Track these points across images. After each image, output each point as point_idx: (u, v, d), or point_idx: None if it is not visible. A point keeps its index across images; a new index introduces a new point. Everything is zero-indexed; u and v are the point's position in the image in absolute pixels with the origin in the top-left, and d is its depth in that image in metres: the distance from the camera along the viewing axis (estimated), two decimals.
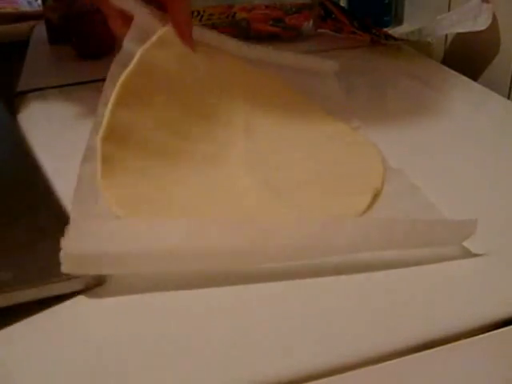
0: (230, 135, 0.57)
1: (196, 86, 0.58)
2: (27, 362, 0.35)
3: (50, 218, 0.44)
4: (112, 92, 0.52)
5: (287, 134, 0.59)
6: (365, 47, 0.87)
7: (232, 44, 0.65)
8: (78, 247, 0.37)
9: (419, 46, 0.85)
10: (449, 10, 0.85)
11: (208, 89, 0.58)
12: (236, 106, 0.59)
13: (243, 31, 0.91)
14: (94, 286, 0.40)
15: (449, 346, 0.36)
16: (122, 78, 0.53)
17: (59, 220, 0.42)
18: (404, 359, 0.35)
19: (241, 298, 0.40)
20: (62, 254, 0.37)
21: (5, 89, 0.73)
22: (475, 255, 0.43)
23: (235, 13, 0.91)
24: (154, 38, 0.56)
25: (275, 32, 0.91)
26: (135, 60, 0.54)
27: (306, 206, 0.49)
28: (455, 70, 0.78)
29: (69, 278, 0.38)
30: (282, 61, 0.67)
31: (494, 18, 0.75)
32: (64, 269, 0.37)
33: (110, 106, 0.51)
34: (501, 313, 0.38)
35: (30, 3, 1.21)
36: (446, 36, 0.86)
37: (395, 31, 0.89)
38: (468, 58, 0.82)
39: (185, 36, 0.58)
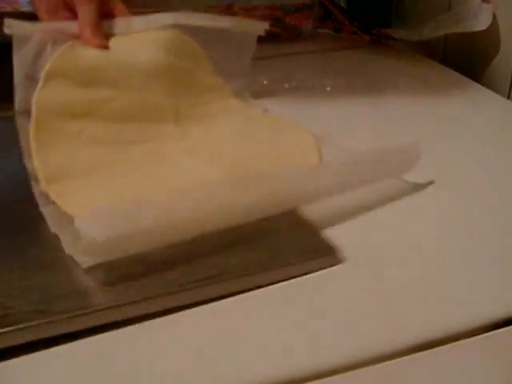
0: (162, 131, 0.57)
1: (112, 89, 0.57)
2: None
3: None
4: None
5: (214, 124, 0.59)
6: (365, 47, 0.87)
7: (162, 17, 0.62)
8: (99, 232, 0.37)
9: (419, 46, 0.85)
10: (449, 10, 0.85)
11: (128, 88, 0.57)
12: (161, 100, 0.58)
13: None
14: (330, 266, 0.42)
15: (449, 346, 0.36)
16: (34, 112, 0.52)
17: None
18: (404, 359, 0.35)
19: (241, 298, 0.40)
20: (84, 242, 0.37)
21: (5, 89, 0.73)
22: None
23: (235, 13, 0.91)
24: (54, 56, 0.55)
25: (275, 32, 0.91)
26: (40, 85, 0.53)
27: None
28: (455, 70, 0.78)
29: (321, 255, 0.42)
30: (214, 24, 0.64)
31: (494, 18, 0.75)
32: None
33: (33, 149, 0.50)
34: (501, 313, 0.38)
35: (29, 3, 1.21)
36: (446, 36, 0.86)
37: (395, 31, 0.89)
38: (468, 57, 0.82)
39: (86, 37, 0.58)
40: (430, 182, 0.51)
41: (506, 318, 0.38)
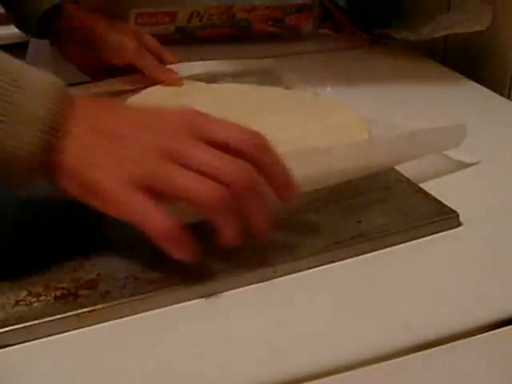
0: None
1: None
2: None
3: None
4: None
5: (259, 112, 0.60)
6: (365, 47, 0.87)
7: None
8: None
9: (419, 46, 0.85)
10: (448, 10, 0.85)
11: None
12: None
13: (243, 31, 0.91)
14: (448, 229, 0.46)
15: (449, 345, 0.36)
16: None
17: None
18: (404, 359, 0.35)
19: (242, 299, 0.40)
20: None
21: None
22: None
23: (235, 13, 0.91)
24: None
25: (275, 32, 0.91)
26: None
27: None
28: (455, 70, 0.78)
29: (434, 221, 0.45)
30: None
31: (494, 18, 0.75)
32: None
33: None
34: (501, 313, 0.38)
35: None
36: (446, 36, 0.86)
37: (395, 31, 0.89)
38: (468, 58, 0.82)
39: (162, 76, 0.67)
40: None
41: (506, 318, 0.38)
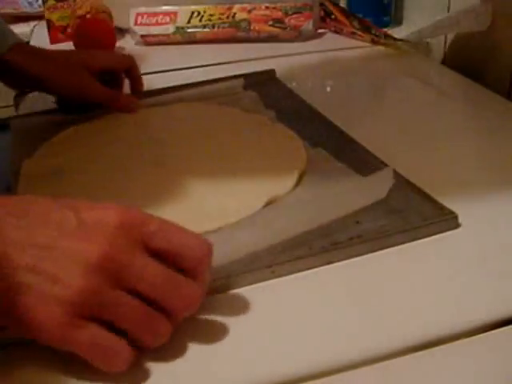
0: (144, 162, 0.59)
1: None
2: None
3: None
4: None
5: (205, 135, 0.62)
6: (365, 47, 0.87)
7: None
8: None
9: (419, 46, 0.85)
10: (448, 11, 0.85)
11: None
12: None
13: (243, 32, 0.91)
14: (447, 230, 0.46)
15: (449, 345, 0.36)
16: None
17: None
18: (404, 359, 0.35)
19: (243, 299, 0.40)
20: None
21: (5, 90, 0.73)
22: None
23: (235, 13, 0.91)
24: None
25: (275, 32, 0.91)
26: None
27: (235, 190, 0.51)
28: (455, 70, 0.78)
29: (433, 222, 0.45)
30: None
31: (494, 18, 0.75)
32: None
33: None
34: (501, 313, 0.38)
35: (30, 3, 1.21)
36: (446, 36, 0.86)
37: (395, 31, 0.89)
38: (468, 58, 0.82)
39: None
40: None
41: (506, 318, 0.38)
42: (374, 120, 0.64)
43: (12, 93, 0.78)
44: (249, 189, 0.51)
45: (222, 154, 0.58)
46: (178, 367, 0.35)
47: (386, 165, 0.52)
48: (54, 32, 1.00)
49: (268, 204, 0.49)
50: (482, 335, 0.37)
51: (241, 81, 0.73)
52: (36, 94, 0.75)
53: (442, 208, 0.46)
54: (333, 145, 0.57)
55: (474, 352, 0.36)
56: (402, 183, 0.50)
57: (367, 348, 0.36)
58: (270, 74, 0.76)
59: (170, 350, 0.36)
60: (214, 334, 0.37)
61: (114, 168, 0.57)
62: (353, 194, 0.48)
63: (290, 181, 0.51)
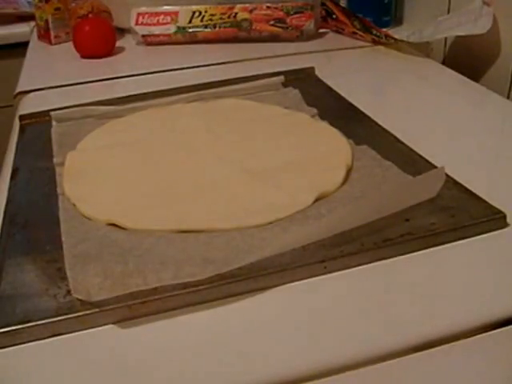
0: (194, 141, 0.60)
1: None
2: None
3: None
4: None
5: (251, 133, 0.61)
6: (366, 47, 0.87)
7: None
8: None
9: (420, 46, 0.85)
10: (448, 12, 0.85)
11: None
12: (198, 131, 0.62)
13: (244, 31, 0.91)
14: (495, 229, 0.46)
15: (449, 345, 0.36)
16: None
17: None
18: (404, 359, 0.35)
19: (244, 300, 0.40)
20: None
21: (5, 89, 0.73)
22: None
23: (236, 13, 0.91)
24: None
25: (276, 32, 0.91)
26: None
27: (285, 185, 0.51)
28: (455, 70, 0.78)
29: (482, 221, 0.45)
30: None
31: (494, 19, 0.75)
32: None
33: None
34: (501, 313, 0.38)
35: (30, 3, 1.21)
36: (446, 37, 0.86)
37: (395, 32, 0.89)
38: (468, 58, 0.82)
39: None
40: None
41: (506, 318, 0.38)
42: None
43: (12, 93, 0.78)
44: (298, 184, 0.51)
45: (269, 150, 0.58)
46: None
47: (433, 164, 0.52)
48: (47, 33, 0.99)
49: (317, 200, 0.49)
50: (481, 336, 0.37)
51: (281, 78, 0.73)
52: (36, 93, 0.75)
53: (490, 207, 0.46)
54: (377, 143, 0.57)
55: (474, 352, 0.36)
56: (449, 182, 0.49)
57: (368, 348, 0.36)
58: (309, 71, 0.76)
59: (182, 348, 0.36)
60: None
61: (165, 159, 0.57)
62: (403, 191, 0.48)
63: (338, 177, 0.51)
